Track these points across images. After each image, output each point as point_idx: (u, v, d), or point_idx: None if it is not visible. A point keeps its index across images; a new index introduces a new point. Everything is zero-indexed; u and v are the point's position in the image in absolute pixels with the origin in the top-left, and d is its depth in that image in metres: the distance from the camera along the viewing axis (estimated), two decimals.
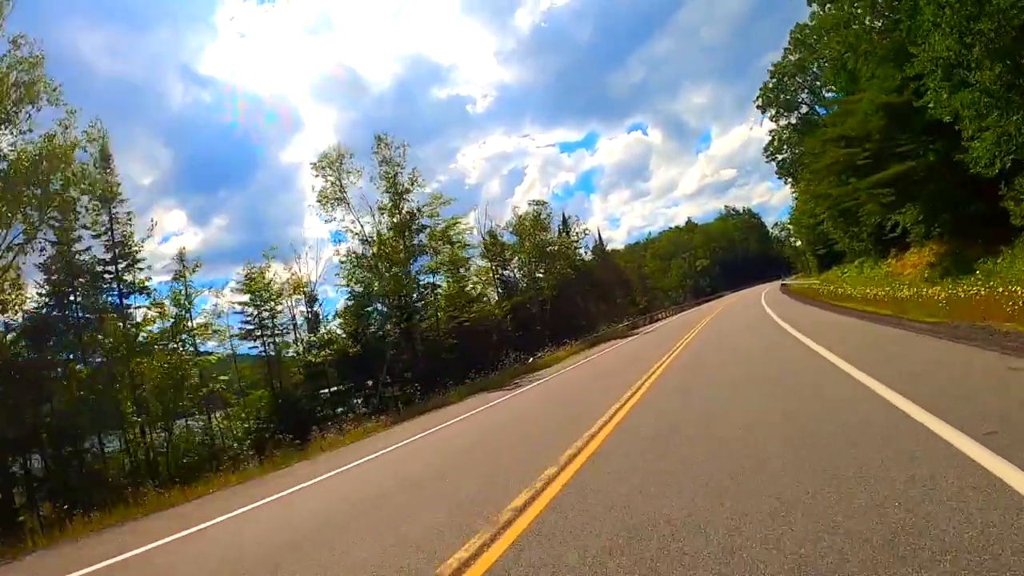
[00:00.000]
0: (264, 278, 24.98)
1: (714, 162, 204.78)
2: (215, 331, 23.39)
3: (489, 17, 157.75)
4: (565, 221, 51.71)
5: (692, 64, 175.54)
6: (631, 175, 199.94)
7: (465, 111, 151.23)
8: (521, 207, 53.84)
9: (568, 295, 45.72)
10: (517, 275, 44.44)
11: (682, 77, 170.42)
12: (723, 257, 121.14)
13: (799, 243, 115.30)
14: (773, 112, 49.31)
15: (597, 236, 72.89)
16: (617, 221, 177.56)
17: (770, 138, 50.15)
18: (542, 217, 45.40)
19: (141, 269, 21.34)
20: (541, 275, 44.60)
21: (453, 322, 30.85)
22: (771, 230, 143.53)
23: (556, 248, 46.17)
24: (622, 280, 63.60)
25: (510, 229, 43.26)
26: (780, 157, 51.48)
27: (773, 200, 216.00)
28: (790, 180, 53.61)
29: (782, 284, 71.62)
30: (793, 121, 49.05)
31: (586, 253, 56.64)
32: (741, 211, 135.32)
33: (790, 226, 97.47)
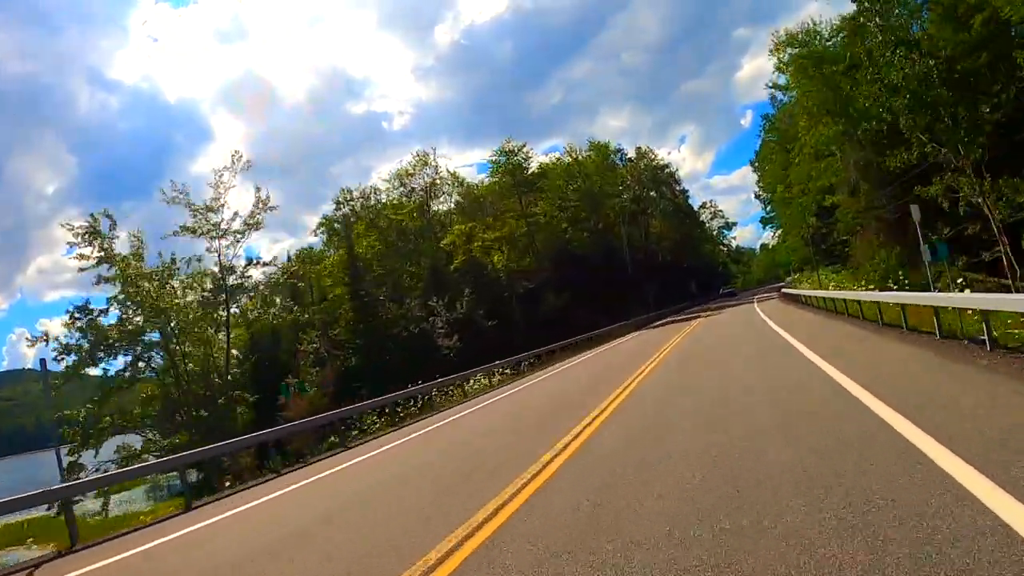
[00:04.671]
0: None
1: None
2: None
3: (407, 32, 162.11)
4: None
5: (611, 87, 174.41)
6: None
7: (381, 128, 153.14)
8: None
9: None
10: None
11: (601, 100, 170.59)
12: (582, 246, 50.07)
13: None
14: None
15: None
16: None
17: None
18: None
19: None
20: None
21: None
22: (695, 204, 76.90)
23: None
24: None
25: None
26: None
27: None
28: None
29: None
30: None
31: None
32: (632, 154, 66.07)
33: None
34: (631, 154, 70.72)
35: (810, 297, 24.99)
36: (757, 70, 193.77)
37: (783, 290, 39.42)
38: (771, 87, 39.84)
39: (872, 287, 22.59)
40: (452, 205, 50.00)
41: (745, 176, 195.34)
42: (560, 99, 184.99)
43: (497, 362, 22.75)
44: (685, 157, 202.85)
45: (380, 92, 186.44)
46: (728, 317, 29.85)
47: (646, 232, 66.46)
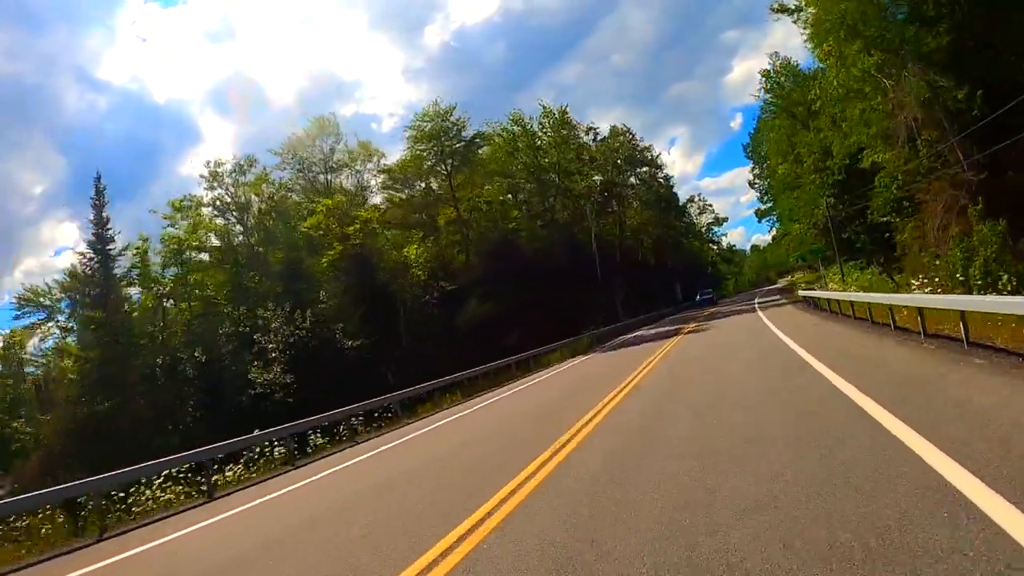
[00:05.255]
0: None
1: None
2: None
3: (398, 33, 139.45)
4: None
5: (601, 89, 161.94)
6: None
7: (371, 130, 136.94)
8: None
9: None
10: None
11: (591, 101, 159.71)
12: (536, 239, 38.86)
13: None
14: None
15: None
16: None
17: None
18: None
19: None
20: None
21: None
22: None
23: None
24: None
25: None
26: None
27: None
28: None
29: None
30: None
31: None
32: (600, 130, 55.45)
33: None
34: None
35: (891, 306, 13.89)
36: (748, 72, 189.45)
37: (802, 292, 28.43)
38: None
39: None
40: (367, 183, 38.84)
41: (735, 179, 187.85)
42: (551, 100, 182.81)
43: (253, 436, 11.59)
44: (675, 159, 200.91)
45: (370, 93, 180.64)
46: (718, 347, 18.78)
47: (621, 224, 55.43)
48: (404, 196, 40.67)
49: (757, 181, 73.33)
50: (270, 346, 21.77)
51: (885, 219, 26.85)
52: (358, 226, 27.40)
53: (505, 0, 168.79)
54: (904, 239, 23.68)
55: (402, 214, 41.81)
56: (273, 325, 22.05)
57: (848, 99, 25.41)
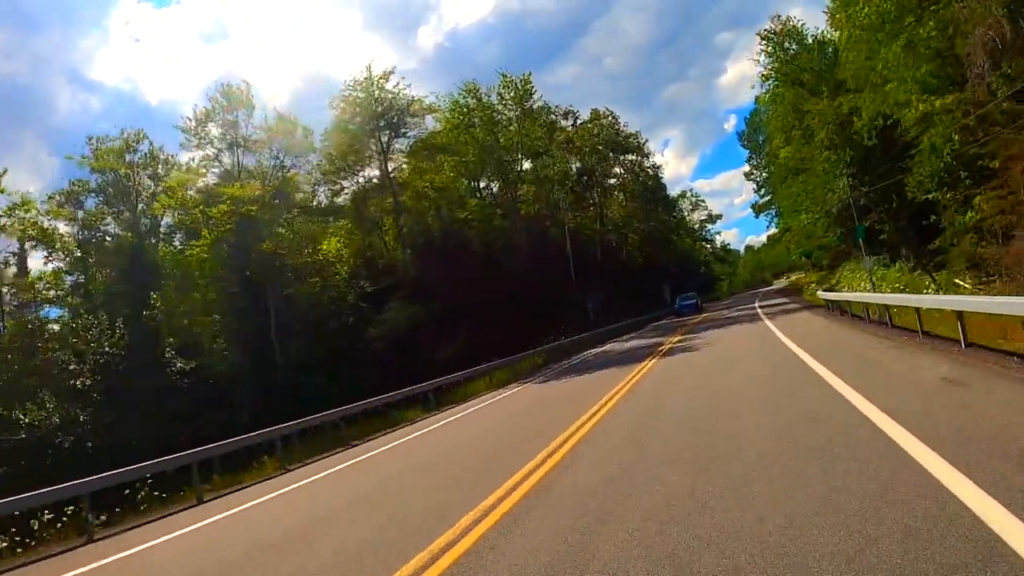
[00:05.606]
0: None
1: None
2: None
3: (391, 34, 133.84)
4: None
5: (595, 90, 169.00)
6: None
7: None
8: None
9: None
10: None
11: (584, 103, 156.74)
12: (493, 231, 32.23)
13: None
14: None
15: None
16: None
17: None
18: None
19: None
20: None
21: None
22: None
23: None
24: None
25: None
26: None
27: None
28: None
29: None
30: None
31: None
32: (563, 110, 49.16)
33: None
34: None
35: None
36: (742, 74, 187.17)
37: (823, 295, 21.71)
38: None
39: None
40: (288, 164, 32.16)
41: (729, 181, 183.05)
42: (546, 102, 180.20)
43: None
44: (669, 161, 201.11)
45: None
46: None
47: (601, 218, 48.87)
48: (337, 183, 34.01)
49: (755, 172, 67.02)
50: (71, 368, 15.09)
51: (930, 196, 20.35)
52: (225, 207, 20.34)
53: (499, 1, 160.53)
54: (966, 220, 17.10)
55: (342, 204, 35.24)
56: (72, 340, 15.45)
57: (882, 31, 18.92)
